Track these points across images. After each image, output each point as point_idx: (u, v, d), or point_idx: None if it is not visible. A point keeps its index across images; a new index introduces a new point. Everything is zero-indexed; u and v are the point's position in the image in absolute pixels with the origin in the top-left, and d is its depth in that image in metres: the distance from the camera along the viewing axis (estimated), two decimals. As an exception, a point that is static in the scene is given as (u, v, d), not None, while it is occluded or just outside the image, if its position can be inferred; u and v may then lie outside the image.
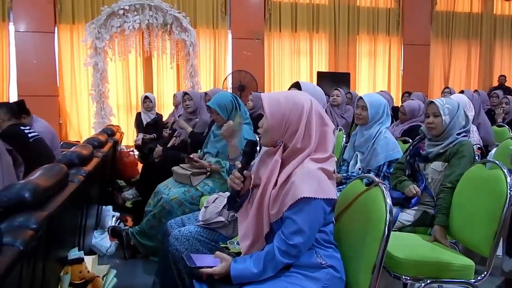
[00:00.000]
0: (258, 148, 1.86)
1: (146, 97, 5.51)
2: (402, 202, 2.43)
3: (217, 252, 1.56)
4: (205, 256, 1.65)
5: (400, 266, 1.97)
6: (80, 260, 2.05)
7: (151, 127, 5.40)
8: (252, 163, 1.68)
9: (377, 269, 1.50)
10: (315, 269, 1.50)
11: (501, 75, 9.57)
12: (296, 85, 2.16)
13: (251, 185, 1.61)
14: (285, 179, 1.47)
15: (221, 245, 1.88)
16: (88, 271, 2.09)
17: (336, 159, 1.57)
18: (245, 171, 1.58)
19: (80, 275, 2.02)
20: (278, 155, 1.51)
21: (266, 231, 1.53)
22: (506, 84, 9.54)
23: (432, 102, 2.46)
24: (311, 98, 1.55)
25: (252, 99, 4.81)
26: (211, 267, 1.51)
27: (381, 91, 6.69)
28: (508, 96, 5.36)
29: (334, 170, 1.56)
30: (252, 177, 1.61)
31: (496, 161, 2.07)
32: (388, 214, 1.51)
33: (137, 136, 5.45)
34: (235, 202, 1.63)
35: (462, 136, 2.41)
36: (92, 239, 3.15)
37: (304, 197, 1.40)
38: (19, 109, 3.44)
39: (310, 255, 1.51)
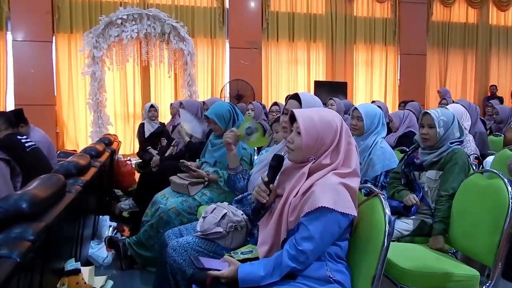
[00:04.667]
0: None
1: (151, 106, 5.50)
2: (402, 211, 2.43)
3: (225, 256, 1.58)
4: (212, 260, 1.66)
5: (406, 277, 1.96)
6: (77, 271, 2.03)
7: (153, 137, 5.36)
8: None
9: (376, 280, 1.50)
10: (323, 282, 1.50)
11: (492, 85, 9.71)
12: (295, 97, 2.16)
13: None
14: (307, 188, 1.51)
15: (225, 254, 1.87)
16: (85, 283, 2.08)
17: (359, 178, 1.60)
18: (271, 185, 1.60)
19: (77, 287, 2.00)
20: (306, 169, 1.54)
21: (283, 237, 1.55)
22: (500, 93, 9.63)
23: (427, 113, 2.47)
24: (341, 117, 1.60)
25: (253, 108, 4.81)
26: (219, 270, 1.52)
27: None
28: (496, 106, 5.41)
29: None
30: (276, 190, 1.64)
31: (496, 171, 2.09)
32: (387, 225, 1.51)
33: (140, 148, 5.42)
34: (259, 214, 1.65)
35: (456, 145, 2.42)
36: (88, 249, 3.13)
37: (322, 206, 1.43)
38: (17, 118, 3.44)
39: (320, 266, 1.51)
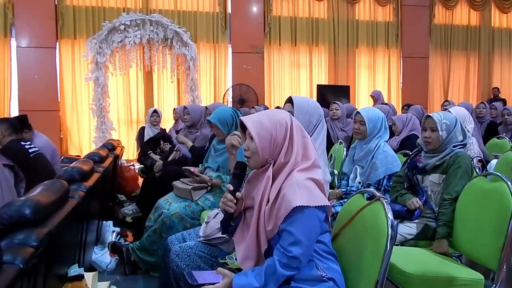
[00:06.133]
0: None
1: (154, 111, 5.51)
2: (405, 215, 2.42)
3: (219, 268, 1.56)
4: (206, 272, 1.65)
5: (410, 281, 1.95)
6: (80, 277, 2.03)
7: (152, 141, 5.37)
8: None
9: (379, 284, 1.49)
10: (316, 282, 1.50)
11: (494, 87, 9.68)
12: (291, 100, 2.17)
13: (243, 207, 1.63)
14: (276, 193, 1.50)
15: (219, 261, 1.87)
16: (88, 288, 2.07)
17: (320, 167, 1.60)
18: (237, 193, 1.58)
19: (80, 292, 2.00)
20: (269, 171, 1.54)
21: (264, 248, 1.53)
22: (503, 96, 9.60)
23: (429, 116, 2.46)
24: (289, 114, 1.61)
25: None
26: (213, 283, 1.51)
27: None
28: (508, 107, 5.36)
29: (324, 178, 1.60)
30: (244, 199, 1.62)
31: (499, 174, 2.07)
32: (390, 229, 1.51)
33: (140, 152, 5.42)
34: (229, 225, 1.63)
35: (458, 148, 2.42)
36: (92, 255, 3.13)
37: (297, 206, 1.43)
38: (21, 124, 3.45)
39: (310, 267, 1.51)
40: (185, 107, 4.25)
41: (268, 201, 1.52)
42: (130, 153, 7.90)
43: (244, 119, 1.57)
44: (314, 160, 1.56)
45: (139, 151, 5.50)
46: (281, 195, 1.48)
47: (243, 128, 1.61)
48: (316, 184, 1.51)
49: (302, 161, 1.54)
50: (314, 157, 1.57)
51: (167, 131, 5.81)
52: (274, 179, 1.53)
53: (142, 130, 5.51)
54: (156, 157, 4.99)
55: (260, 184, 1.55)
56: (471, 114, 4.01)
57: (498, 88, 9.64)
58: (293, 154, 1.53)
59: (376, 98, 7.12)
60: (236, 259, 1.66)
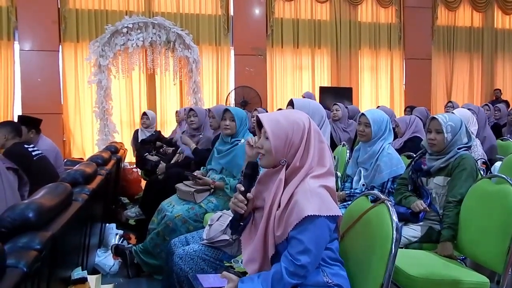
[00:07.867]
0: None
1: (144, 114, 5.55)
2: (410, 218, 2.41)
3: (224, 272, 1.54)
4: (211, 276, 1.64)
5: (414, 284, 1.94)
6: (83, 280, 2.03)
7: (147, 144, 5.37)
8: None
9: (384, 287, 1.48)
10: None
11: (496, 89, 9.63)
12: (291, 103, 2.17)
13: (253, 207, 1.61)
14: (288, 199, 1.47)
15: (225, 264, 1.86)
16: (92, 291, 2.07)
17: (334, 175, 1.58)
18: (248, 194, 1.56)
19: (84, 296, 1.99)
20: (282, 174, 1.51)
21: (271, 253, 1.51)
22: (506, 97, 9.56)
23: (434, 118, 2.45)
24: (308, 116, 1.58)
25: None
26: None
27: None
28: None
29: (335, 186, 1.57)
30: (254, 199, 1.60)
31: (504, 176, 2.06)
32: (394, 232, 1.50)
33: (136, 157, 5.42)
34: (239, 225, 1.61)
35: (463, 150, 2.40)
36: (95, 257, 3.13)
37: (308, 215, 1.40)
38: (32, 124, 3.48)
39: (317, 274, 1.50)
40: (191, 109, 4.25)
41: (279, 206, 1.49)
42: (133, 155, 7.90)
43: (261, 116, 1.54)
44: (330, 167, 1.53)
45: (135, 154, 5.51)
46: (293, 201, 1.45)
47: (259, 125, 1.58)
48: (329, 192, 1.48)
49: (317, 167, 1.51)
50: (330, 164, 1.53)
51: (167, 134, 5.83)
52: (286, 183, 1.50)
53: (136, 133, 5.56)
54: (154, 158, 4.99)
55: (271, 185, 1.52)
56: (477, 115, 3.99)
57: (500, 90, 9.61)
58: (309, 159, 1.50)
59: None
60: (242, 262, 1.65)
